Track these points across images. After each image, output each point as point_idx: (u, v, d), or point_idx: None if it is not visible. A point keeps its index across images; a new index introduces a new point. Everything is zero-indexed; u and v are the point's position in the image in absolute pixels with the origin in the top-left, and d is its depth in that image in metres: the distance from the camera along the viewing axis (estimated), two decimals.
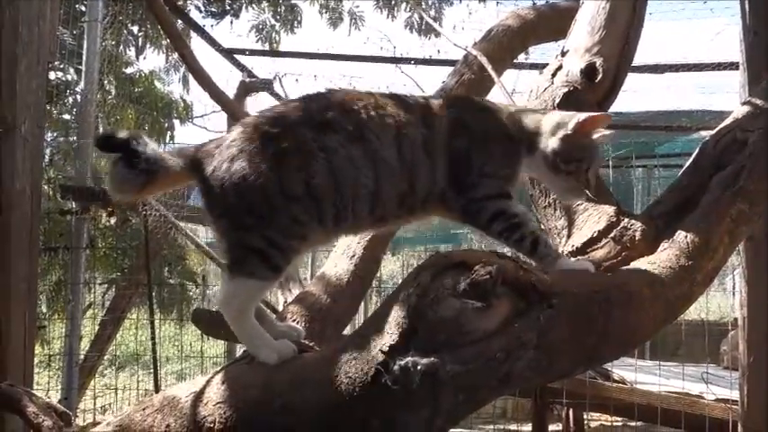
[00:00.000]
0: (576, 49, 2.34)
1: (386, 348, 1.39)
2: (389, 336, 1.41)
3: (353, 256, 2.49)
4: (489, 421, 6.29)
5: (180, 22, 5.89)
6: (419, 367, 1.36)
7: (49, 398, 1.98)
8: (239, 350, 5.63)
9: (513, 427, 6.29)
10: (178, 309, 6.79)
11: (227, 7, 8.59)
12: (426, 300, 1.41)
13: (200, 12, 8.61)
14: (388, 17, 8.67)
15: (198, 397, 1.58)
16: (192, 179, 1.64)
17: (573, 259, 1.75)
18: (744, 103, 2.08)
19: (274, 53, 8.14)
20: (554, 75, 2.29)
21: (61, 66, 6.33)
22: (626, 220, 1.93)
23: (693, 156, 2.04)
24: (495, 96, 2.91)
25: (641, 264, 1.76)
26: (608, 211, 1.97)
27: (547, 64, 2.46)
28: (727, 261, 1.93)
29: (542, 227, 2.14)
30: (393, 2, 8.56)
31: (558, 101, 2.20)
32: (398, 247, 9.70)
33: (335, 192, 1.58)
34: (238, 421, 1.51)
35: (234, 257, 1.57)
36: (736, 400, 3.68)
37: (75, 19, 5.75)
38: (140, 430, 1.60)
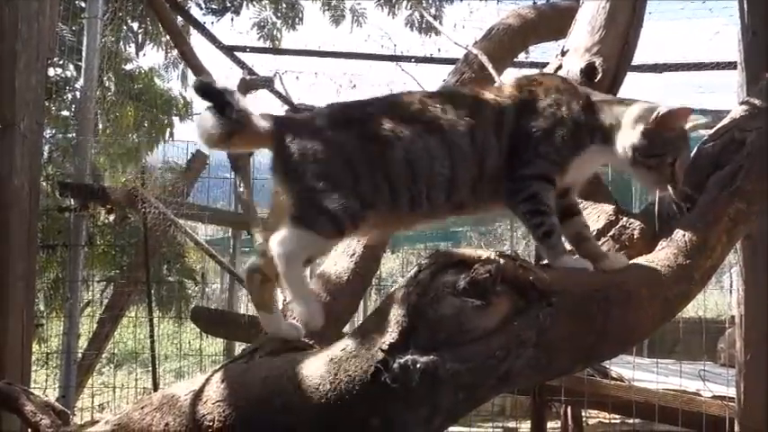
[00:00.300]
0: (576, 48, 2.34)
1: (385, 347, 1.40)
2: (389, 334, 1.41)
3: (353, 254, 2.49)
4: (488, 419, 6.31)
5: (180, 18, 5.88)
6: (419, 365, 1.37)
7: (46, 396, 1.99)
8: (238, 348, 5.63)
9: (511, 424, 6.31)
10: (177, 306, 6.78)
11: (228, 4, 8.59)
12: (426, 298, 1.42)
13: (201, 9, 8.61)
14: (389, 15, 8.68)
15: (197, 395, 1.58)
16: (270, 144, 1.70)
17: (573, 257, 1.75)
18: (742, 103, 2.08)
19: (275, 50, 8.14)
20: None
21: (60, 62, 6.34)
22: (624, 218, 1.94)
23: (691, 155, 2.04)
24: None
25: (640, 262, 1.77)
26: (606, 209, 1.98)
27: (547, 63, 2.46)
28: (725, 259, 1.93)
29: None
30: (394, 0, 8.55)
31: None
32: (398, 245, 9.70)
33: (411, 178, 1.65)
34: (238, 420, 1.51)
35: (300, 212, 1.63)
36: (733, 398, 3.69)
37: (74, 15, 5.75)
38: (139, 429, 1.60)
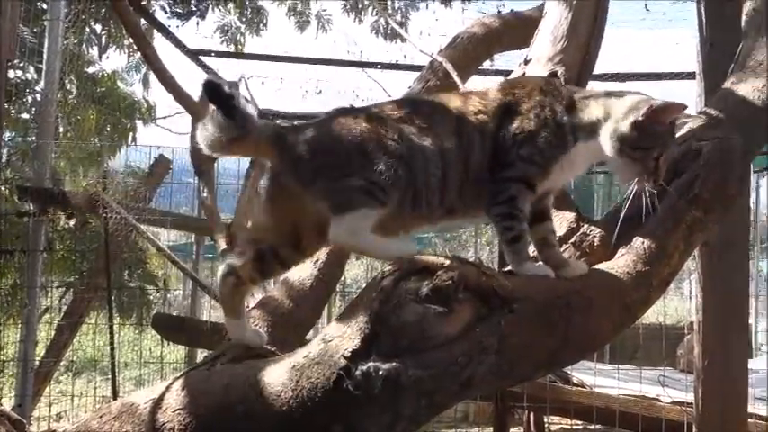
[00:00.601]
0: (538, 57, 2.37)
1: (348, 354, 1.40)
2: (352, 341, 1.41)
3: (317, 260, 2.48)
4: (451, 425, 6.32)
5: (144, 21, 5.81)
6: (381, 372, 1.37)
7: (1, 405, 1.94)
8: (200, 356, 5.56)
9: (474, 430, 6.33)
10: (138, 313, 6.68)
11: (194, 8, 8.50)
12: (389, 305, 1.42)
13: (166, 12, 8.50)
14: (355, 20, 8.68)
15: (157, 403, 1.55)
16: (271, 152, 1.68)
17: (536, 264, 1.77)
18: (699, 113, 2.13)
19: (240, 55, 8.08)
20: None
21: (21, 64, 6.22)
22: (586, 226, 1.96)
23: None
24: None
25: (600, 269, 1.79)
26: (568, 217, 2.00)
27: (512, 71, 2.49)
28: (684, 266, 1.96)
29: None
30: (360, 5, 8.56)
31: None
32: None
33: (412, 176, 1.64)
34: (198, 428, 1.49)
35: (338, 201, 1.60)
36: (692, 403, 3.76)
37: (36, 17, 5.66)
38: None
